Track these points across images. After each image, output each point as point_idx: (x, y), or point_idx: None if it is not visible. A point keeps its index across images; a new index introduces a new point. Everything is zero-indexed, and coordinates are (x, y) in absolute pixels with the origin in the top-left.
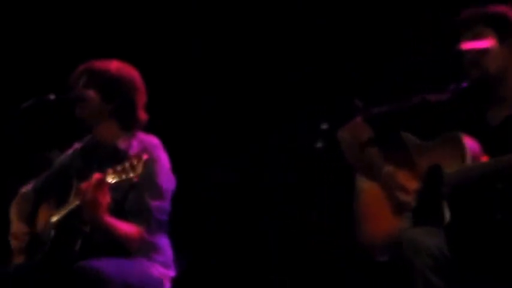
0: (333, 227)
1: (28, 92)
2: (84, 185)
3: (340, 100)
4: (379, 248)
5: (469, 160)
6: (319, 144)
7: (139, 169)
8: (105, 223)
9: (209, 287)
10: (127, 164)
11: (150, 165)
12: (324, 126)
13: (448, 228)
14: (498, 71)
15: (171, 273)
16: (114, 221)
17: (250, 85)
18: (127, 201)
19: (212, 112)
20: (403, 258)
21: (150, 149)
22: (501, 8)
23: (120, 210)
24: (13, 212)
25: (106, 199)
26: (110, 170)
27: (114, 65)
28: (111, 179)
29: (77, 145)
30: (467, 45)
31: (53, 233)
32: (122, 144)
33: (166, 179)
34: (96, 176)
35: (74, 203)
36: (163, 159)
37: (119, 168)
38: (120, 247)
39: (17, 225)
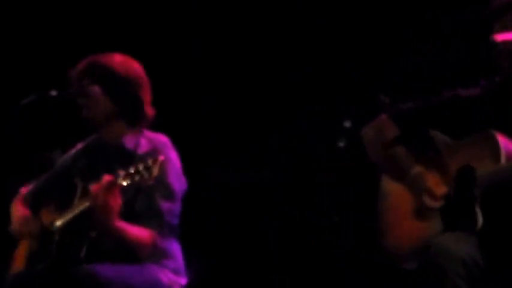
0: (333, 227)
1: (27, 88)
2: (94, 188)
3: (362, 97)
4: (407, 254)
5: (503, 160)
6: (341, 143)
7: (155, 171)
8: (116, 228)
9: (209, 286)
10: (141, 166)
11: (161, 166)
12: (347, 124)
13: (480, 234)
14: None
15: (182, 280)
16: (125, 226)
17: (250, 85)
18: (137, 203)
19: (212, 112)
20: (432, 265)
21: (160, 148)
22: None
23: (130, 212)
24: (15, 210)
25: (117, 202)
26: (122, 172)
27: (119, 60)
28: (123, 181)
29: (80, 145)
30: (501, 37)
31: (56, 238)
32: (129, 142)
33: (178, 179)
34: (107, 178)
35: (79, 206)
36: (174, 159)
37: (132, 170)
38: (129, 253)
39: (23, 212)
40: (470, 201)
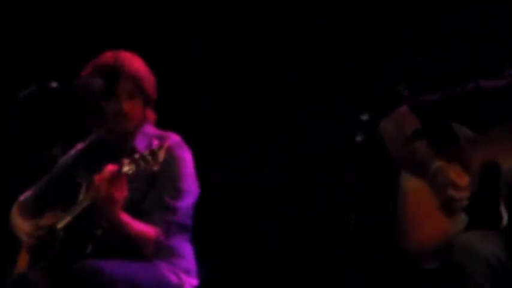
0: (333, 227)
1: (27, 79)
2: (96, 179)
3: (378, 90)
4: (428, 254)
5: None
6: (358, 137)
7: (161, 156)
8: (121, 221)
9: (208, 286)
10: (146, 151)
11: (173, 164)
12: (364, 117)
13: (506, 232)
14: None
15: (194, 281)
16: (130, 220)
17: (250, 85)
18: (145, 202)
19: (212, 112)
20: (455, 265)
21: (172, 148)
22: None
23: (137, 211)
24: (16, 218)
25: (122, 193)
26: (126, 160)
27: (142, 65)
28: (127, 169)
29: (80, 145)
30: None
31: (60, 236)
32: (140, 145)
33: (189, 179)
34: (110, 167)
35: (84, 203)
36: (188, 160)
37: (137, 155)
38: (135, 251)
39: (27, 224)
40: (495, 199)
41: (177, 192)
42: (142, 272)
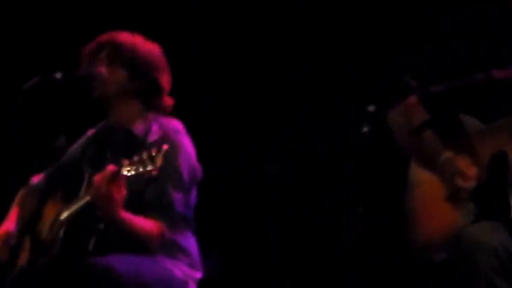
0: (333, 227)
1: (29, 71)
2: (96, 178)
3: (385, 81)
4: (437, 245)
5: None
6: (365, 128)
7: (159, 161)
8: (121, 219)
9: (209, 286)
10: (145, 155)
11: (172, 153)
12: (371, 108)
13: None
14: None
15: (198, 274)
16: (130, 217)
17: (250, 85)
18: (146, 193)
19: (212, 112)
20: (463, 256)
21: (171, 134)
22: None
23: (138, 203)
24: (14, 209)
25: (121, 193)
26: (126, 162)
27: (141, 40)
28: (126, 172)
29: (90, 132)
30: None
31: (62, 232)
32: (138, 128)
33: (190, 168)
34: (110, 167)
35: (85, 197)
36: (187, 146)
37: (135, 158)
38: (139, 245)
39: (8, 225)
40: (503, 189)
41: (179, 181)
42: (149, 269)
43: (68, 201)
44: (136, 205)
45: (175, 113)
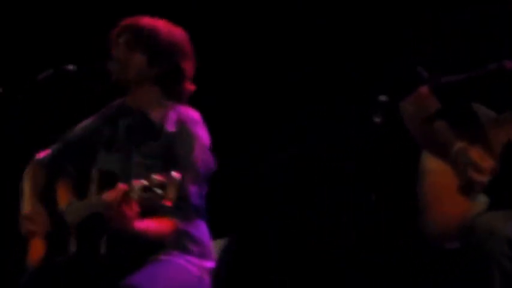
0: (333, 227)
1: (39, 63)
2: (108, 197)
3: (396, 72)
4: (450, 234)
5: None
6: (377, 118)
7: (172, 193)
8: (136, 231)
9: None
10: (157, 180)
11: (188, 145)
12: (383, 98)
13: None
14: None
15: (209, 264)
16: (144, 225)
17: (250, 85)
18: None
19: (212, 112)
20: (476, 245)
21: (188, 124)
22: None
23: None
24: (26, 185)
25: (133, 210)
26: (137, 185)
27: (164, 24)
28: (136, 196)
29: (105, 110)
30: None
31: (75, 232)
32: (156, 114)
33: (205, 159)
34: (121, 187)
35: (95, 206)
36: (203, 137)
37: (146, 183)
38: (152, 242)
39: (31, 204)
40: None
41: (195, 173)
42: (169, 277)
43: (76, 193)
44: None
45: None
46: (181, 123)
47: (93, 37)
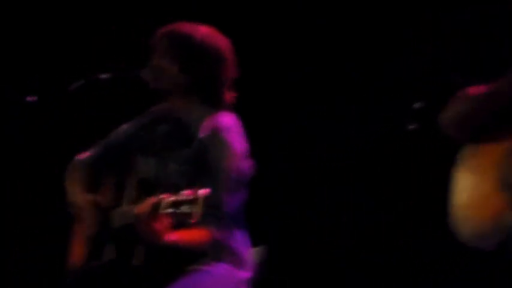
0: (333, 227)
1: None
2: (138, 210)
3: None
4: (488, 235)
5: None
6: (412, 126)
7: (199, 209)
8: (168, 244)
9: None
10: (186, 196)
11: (219, 151)
12: (417, 105)
13: None
14: None
15: (245, 274)
16: (177, 237)
17: (250, 85)
18: None
19: None
20: (510, 248)
21: (220, 131)
22: None
23: None
24: (71, 183)
25: (163, 224)
26: (165, 199)
27: (201, 31)
28: (164, 210)
29: (143, 115)
30: None
31: (114, 237)
32: (192, 121)
33: (239, 166)
34: (151, 201)
35: (130, 217)
36: (236, 145)
37: (176, 199)
38: (189, 253)
39: (79, 196)
40: None
41: (228, 184)
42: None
43: (117, 194)
44: None
45: None
46: (215, 131)
47: (133, 44)
